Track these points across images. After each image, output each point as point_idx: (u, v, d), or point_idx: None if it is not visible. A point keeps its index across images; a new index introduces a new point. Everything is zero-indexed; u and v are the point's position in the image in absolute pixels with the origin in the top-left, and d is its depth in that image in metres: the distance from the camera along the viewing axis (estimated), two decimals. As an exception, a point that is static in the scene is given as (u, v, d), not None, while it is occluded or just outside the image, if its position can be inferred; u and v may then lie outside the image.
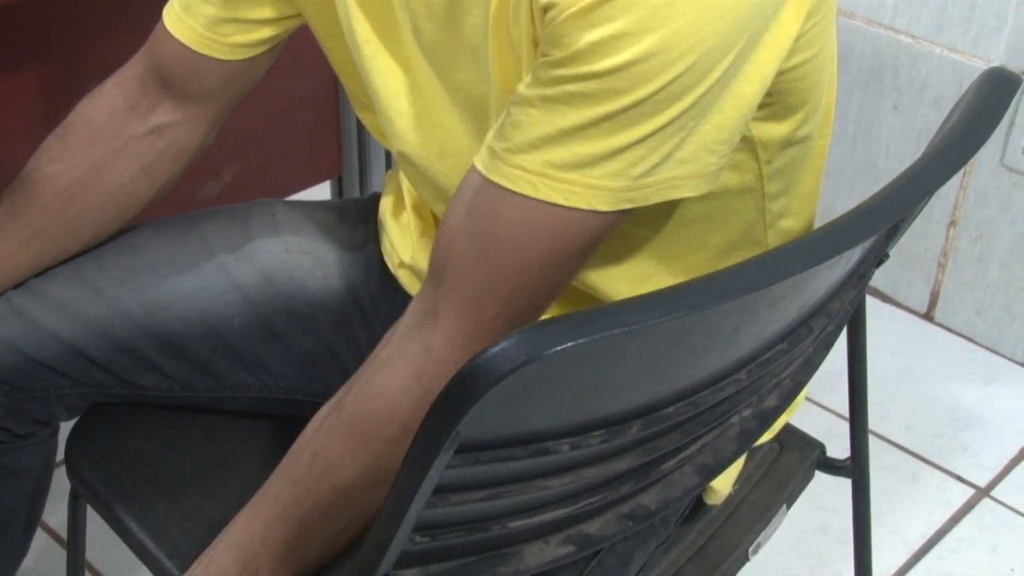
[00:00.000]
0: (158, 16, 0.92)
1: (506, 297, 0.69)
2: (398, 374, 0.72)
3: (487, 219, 0.68)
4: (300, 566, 0.76)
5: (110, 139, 0.93)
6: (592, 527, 0.73)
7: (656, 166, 0.67)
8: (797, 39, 0.69)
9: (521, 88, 0.67)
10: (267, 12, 0.89)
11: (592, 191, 0.66)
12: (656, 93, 0.64)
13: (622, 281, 0.81)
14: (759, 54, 0.67)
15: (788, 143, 0.77)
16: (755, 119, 0.73)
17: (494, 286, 0.69)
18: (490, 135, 0.69)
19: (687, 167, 0.68)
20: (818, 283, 0.69)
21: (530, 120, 0.66)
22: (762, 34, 0.66)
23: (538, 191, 0.67)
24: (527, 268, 0.69)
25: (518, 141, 0.67)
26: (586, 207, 0.67)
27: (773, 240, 0.83)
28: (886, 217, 0.66)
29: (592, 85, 0.64)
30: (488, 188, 0.68)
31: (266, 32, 0.90)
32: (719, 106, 0.66)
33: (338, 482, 0.74)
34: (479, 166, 0.69)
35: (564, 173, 0.66)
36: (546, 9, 0.65)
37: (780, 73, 0.70)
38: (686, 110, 0.65)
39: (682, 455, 0.72)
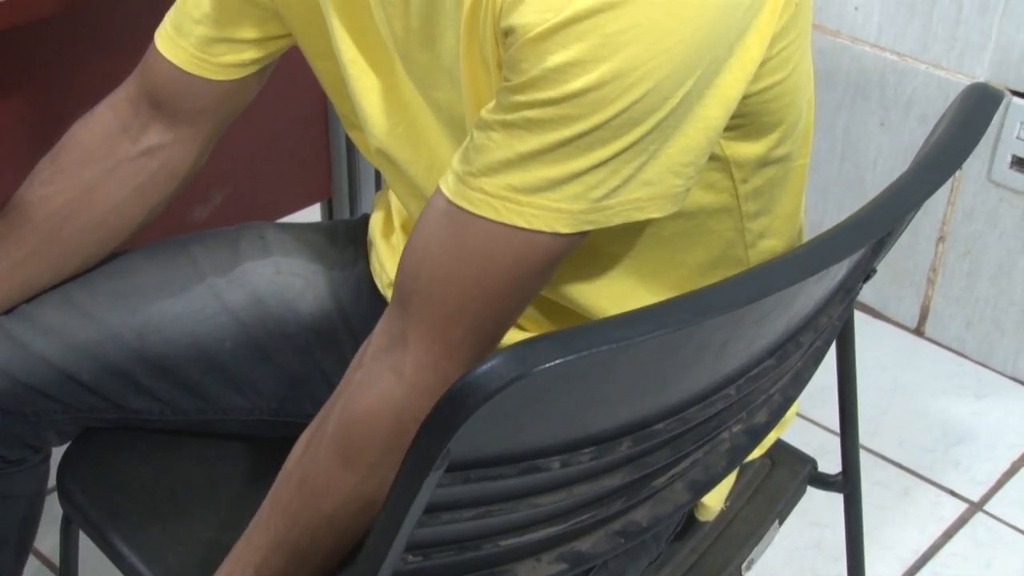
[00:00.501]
0: (147, 40, 0.92)
1: (472, 319, 0.70)
2: (373, 399, 0.72)
3: (451, 243, 0.69)
4: None
5: (102, 160, 0.93)
6: (584, 544, 0.73)
7: (617, 188, 0.67)
8: (763, 64, 0.70)
9: (484, 113, 0.68)
10: (257, 32, 0.90)
11: (552, 214, 0.67)
12: (614, 119, 0.64)
13: (603, 298, 0.81)
14: (723, 78, 0.67)
15: (764, 162, 0.77)
16: (727, 139, 0.73)
17: (461, 309, 0.70)
18: (455, 158, 0.70)
19: (651, 189, 0.68)
20: (805, 298, 0.69)
21: (491, 144, 0.67)
22: (726, 59, 0.67)
23: (499, 214, 0.67)
24: (492, 290, 0.70)
25: (480, 165, 0.67)
26: (547, 229, 0.68)
27: (755, 259, 0.84)
28: (871, 232, 0.66)
29: (550, 111, 0.65)
30: (452, 211, 0.69)
31: (256, 52, 0.91)
32: (683, 129, 0.67)
33: (326, 507, 0.74)
34: (443, 189, 0.70)
35: (525, 196, 0.67)
36: (507, 33, 0.66)
37: (747, 96, 0.70)
38: (646, 135, 0.66)
39: (673, 471, 0.72)
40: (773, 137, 0.76)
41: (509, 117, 0.66)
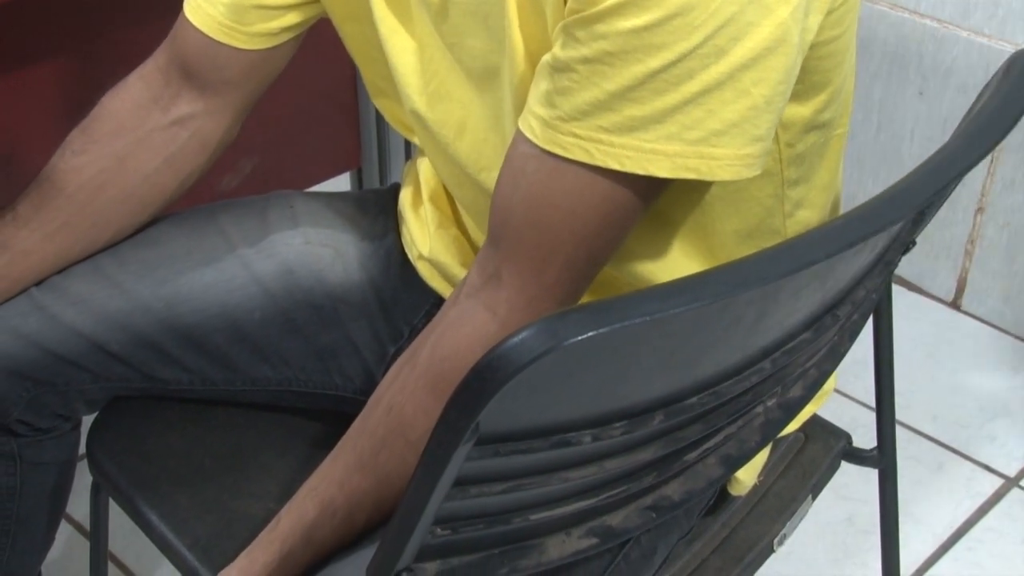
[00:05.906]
0: (176, 9, 0.92)
1: (565, 260, 0.70)
2: (466, 336, 0.72)
3: (541, 188, 0.69)
4: (375, 510, 0.76)
5: (133, 130, 0.93)
6: (615, 519, 0.72)
7: (720, 134, 0.65)
8: (829, 14, 0.69)
9: (558, 52, 0.66)
10: None
11: (647, 155, 0.66)
12: (700, 46, 0.63)
13: (637, 252, 0.80)
14: (810, 18, 0.66)
15: (810, 127, 0.76)
16: None
17: (552, 252, 0.70)
18: (534, 102, 0.68)
19: (761, 145, 0.67)
20: (843, 271, 0.68)
21: (575, 85, 0.66)
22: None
23: (593, 157, 0.66)
24: (584, 233, 0.69)
25: (567, 108, 0.66)
26: (641, 172, 0.66)
27: (791, 230, 0.82)
28: (911, 203, 0.65)
29: (632, 41, 0.63)
30: (541, 157, 0.68)
31: (287, 20, 0.90)
32: (780, 68, 0.65)
33: (411, 435, 0.74)
34: (529, 135, 0.69)
35: (617, 137, 0.66)
36: None
37: (810, 47, 0.69)
38: (736, 70, 0.64)
39: (706, 446, 0.72)
40: (820, 99, 0.74)
41: (589, 52, 0.65)
